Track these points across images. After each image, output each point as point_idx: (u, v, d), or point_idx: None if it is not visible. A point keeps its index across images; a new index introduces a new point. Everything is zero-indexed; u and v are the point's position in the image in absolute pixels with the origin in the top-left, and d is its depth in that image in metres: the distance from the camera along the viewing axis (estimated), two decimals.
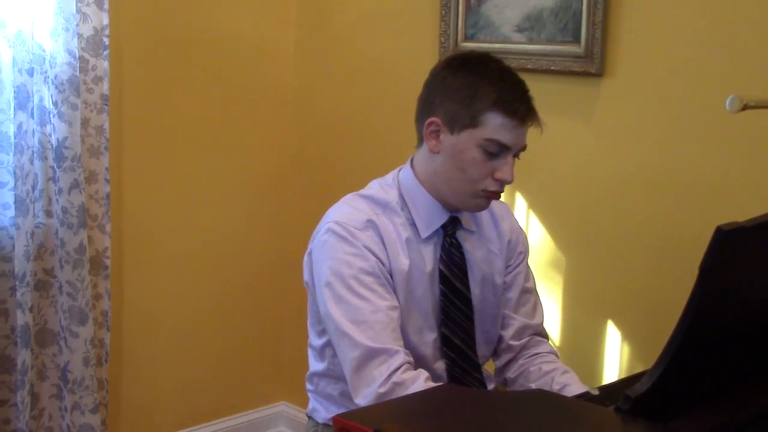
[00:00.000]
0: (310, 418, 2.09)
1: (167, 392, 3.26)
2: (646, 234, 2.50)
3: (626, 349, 2.56)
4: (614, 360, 2.56)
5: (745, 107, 1.62)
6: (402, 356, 1.77)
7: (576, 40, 2.55)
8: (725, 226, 1.22)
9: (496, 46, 2.73)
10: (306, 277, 1.94)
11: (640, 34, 2.46)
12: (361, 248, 1.82)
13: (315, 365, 2.02)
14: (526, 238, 2.13)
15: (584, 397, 1.58)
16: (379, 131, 3.17)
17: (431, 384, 1.75)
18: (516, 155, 1.86)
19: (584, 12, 2.51)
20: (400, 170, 1.99)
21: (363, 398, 1.76)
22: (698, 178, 2.39)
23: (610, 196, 2.56)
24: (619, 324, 2.57)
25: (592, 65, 2.52)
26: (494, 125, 1.80)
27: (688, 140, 2.39)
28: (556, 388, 1.92)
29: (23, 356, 2.70)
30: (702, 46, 2.35)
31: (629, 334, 2.56)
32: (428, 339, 1.92)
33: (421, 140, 1.93)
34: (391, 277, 1.87)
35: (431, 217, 1.92)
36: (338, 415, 1.33)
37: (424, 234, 1.91)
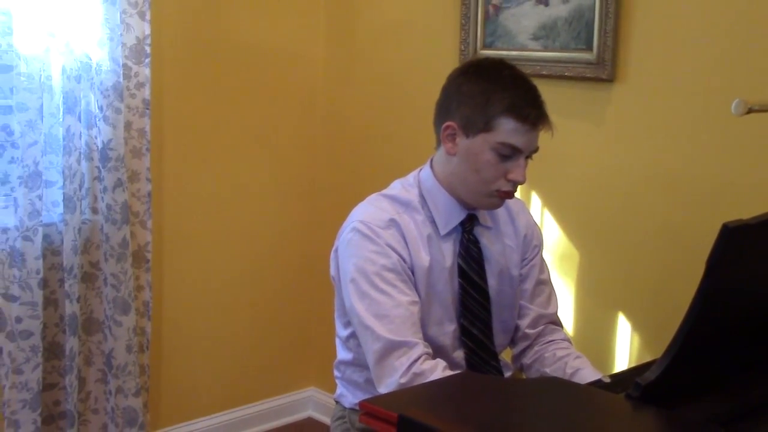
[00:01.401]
0: (337, 402, 2.09)
1: (203, 377, 3.28)
2: (654, 231, 2.48)
3: (636, 339, 2.54)
4: (624, 350, 2.55)
5: (749, 111, 1.60)
6: (421, 348, 1.77)
7: (588, 47, 2.53)
8: (731, 223, 1.21)
9: (513, 53, 2.72)
10: (332, 272, 1.94)
11: (649, 42, 2.44)
12: (383, 246, 1.82)
13: (342, 354, 2.02)
14: (540, 232, 2.12)
15: (596, 384, 1.57)
16: (401, 134, 3.16)
17: (449, 372, 1.75)
18: (528, 157, 1.85)
19: (596, 21, 2.50)
20: (420, 170, 1.98)
21: (385, 387, 1.77)
22: (705, 178, 2.37)
23: (620, 195, 2.55)
24: (629, 315, 2.56)
25: (603, 71, 2.51)
26: (507, 129, 1.79)
27: (695, 142, 2.38)
28: (569, 372, 1.91)
29: (71, 343, 2.72)
30: (708, 53, 2.33)
31: (639, 326, 2.54)
32: (448, 330, 1.92)
33: (439, 142, 1.92)
34: (413, 273, 1.86)
35: (450, 215, 1.91)
36: (364, 401, 1.33)
37: (443, 231, 1.91)
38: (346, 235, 1.88)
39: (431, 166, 1.95)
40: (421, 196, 1.92)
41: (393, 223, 1.86)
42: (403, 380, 1.73)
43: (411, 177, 1.98)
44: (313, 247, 3.49)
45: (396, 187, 1.97)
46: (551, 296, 2.10)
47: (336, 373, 2.07)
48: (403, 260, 1.84)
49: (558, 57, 2.61)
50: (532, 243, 2.06)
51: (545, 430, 1.25)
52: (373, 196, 1.96)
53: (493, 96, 1.79)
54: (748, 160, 2.28)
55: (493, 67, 1.88)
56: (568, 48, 2.59)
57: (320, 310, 3.54)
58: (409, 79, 3.12)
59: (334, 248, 1.94)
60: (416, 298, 1.84)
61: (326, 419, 3.50)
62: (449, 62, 2.94)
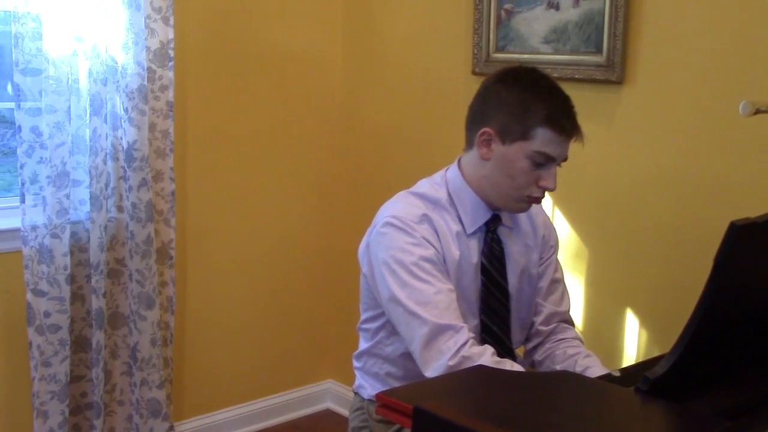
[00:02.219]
0: (356, 394, 2.09)
1: (225, 370, 3.28)
2: (663, 229, 2.47)
3: (644, 334, 2.53)
4: (633, 344, 2.53)
5: (757, 111, 1.59)
6: (467, 332, 1.76)
7: (598, 50, 2.52)
8: (739, 221, 1.20)
9: (525, 56, 2.71)
10: (364, 269, 1.93)
11: (657, 44, 2.43)
12: (419, 238, 1.82)
13: (365, 345, 2.02)
14: (556, 232, 2.12)
15: (606, 378, 1.56)
16: (416, 136, 3.16)
17: (497, 359, 1.74)
18: (559, 165, 1.86)
19: (606, 25, 2.49)
20: (447, 170, 1.97)
21: (433, 371, 1.75)
22: (712, 177, 2.35)
23: (629, 195, 2.54)
24: (638, 311, 2.55)
25: (613, 74, 2.49)
26: (543, 139, 1.80)
27: (703, 142, 2.36)
28: (578, 370, 1.90)
29: (97, 337, 2.73)
30: (715, 55, 2.31)
31: (647, 321, 2.53)
32: (471, 324, 1.91)
33: (470, 145, 1.91)
34: (445, 265, 1.87)
35: (476, 215, 1.91)
36: (380, 393, 1.33)
37: (470, 230, 1.91)
38: (378, 229, 1.86)
39: (459, 167, 1.94)
40: (449, 195, 1.92)
41: (426, 218, 1.86)
42: (451, 363, 1.72)
43: (438, 176, 1.98)
44: (330, 243, 3.49)
45: (424, 186, 1.96)
46: (564, 295, 2.09)
47: (356, 363, 2.07)
48: (438, 252, 1.84)
49: (568, 60, 2.59)
50: (549, 243, 2.06)
51: (557, 423, 1.24)
52: (402, 193, 1.95)
53: (532, 106, 1.80)
54: (755, 160, 2.26)
55: (530, 76, 1.87)
56: (579, 51, 2.58)
57: (337, 305, 3.55)
58: (424, 81, 3.11)
59: (363, 245, 1.93)
60: (453, 287, 1.84)
61: (344, 411, 3.50)
62: (462, 65, 2.94)
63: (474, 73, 2.89)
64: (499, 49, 2.81)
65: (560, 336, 2.04)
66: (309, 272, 3.48)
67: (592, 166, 2.59)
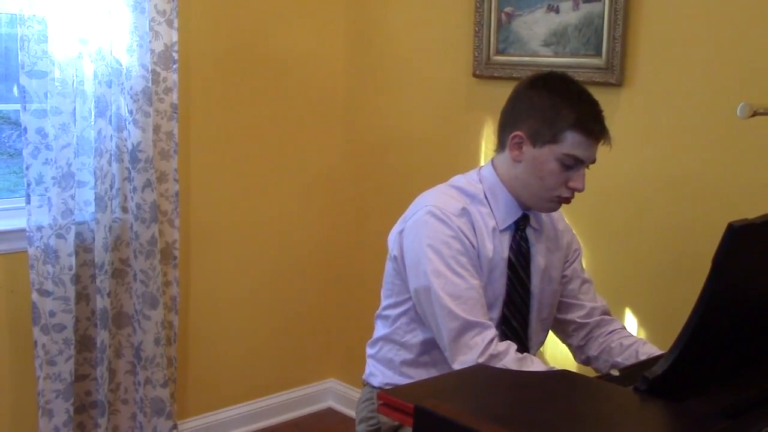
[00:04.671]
0: (366, 384, 2.10)
1: (228, 369, 3.28)
2: (662, 230, 2.47)
3: (643, 334, 2.53)
4: None
5: (754, 113, 1.58)
6: (493, 329, 1.81)
7: (598, 53, 2.52)
8: (736, 222, 1.20)
9: (525, 59, 2.71)
10: (395, 252, 1.95)
11: (656, 47, 2.43)
12: (458, 231, 1.86)
13: (382, 331, 2.03)
14: (577, 237, 2.16)
15: (605, 377, 1.56)
16: (418, 138, 3.16)
17: (520, 356, 1.78)
18: (587, 167, 1.90)
19: (605, 28, 2.49)
20: (480, 169, 2.01)
21: (461, 364, 1.78)
22: (710, 178, 2.35)
23: (629, 195, 2.54)
24: (636, 311, 2.54)
25: (612, 76, 2.49)
26: (573, 142, 1.84)
27: (701, 144, 2.36)
28: (642, 358, 1.92)
29: (102, 336, 2.73)
30: (713, 58, 2.31)
31: (646, 321, 2.53)
32: (494, 316, 1.94)
33: (503, 147, 1.95)
34: (478, 259, 1.90)
35: (508, 212, 1.95)
36: (382, 392, 1.33)
37: (502, 226, 1.94)
38: (419, 217, 1.89)
39: (493, 166, 1.98)
40: (484, 192, 1.96)
41: (465, 212, 1.90)
42: (480, 359, 1.76)
43: (473, 173, 2.01)
44: (332, 244, 3.49)
45: (461, 181, 1.99)
46: (596, 293, 2.14)
47: (369, 351, 2.08)
48: (473, 247, 1.88)
49: (568, 62, 2.59)
50: (572, 246, 2.11)
51: (556, 422, 1.24)
52: (442, 186, 1.99)
53: (561, 111, 1.84)
54: (753, 161, 2.26)
55: (560, 81, 1.91)
56: (578, 54, 2.58)
57: (339, 305, 3.55)
58: (425, 84, 3.11)
59: (398, 231, 1.96)
60: (482, 284, 1.88)
61: (345, 409, 3.50)
62: (463, 67, 2.94)
63: (475, 75, 2.89)
64: (499, 52, 2.81)
65: (610, 328, 2.07)
66: (311, 273, 3.48)
67: (592, 167, 2.58)
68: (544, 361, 2.10)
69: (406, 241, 1.91)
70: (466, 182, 1.97)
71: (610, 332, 2.06)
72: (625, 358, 1.96)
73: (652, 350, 1.95)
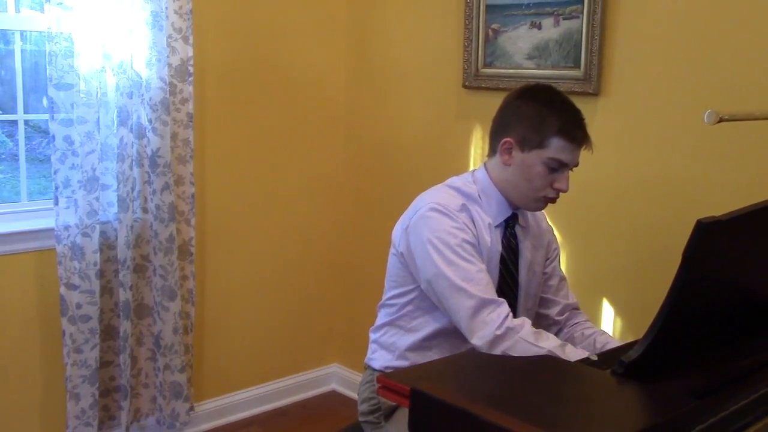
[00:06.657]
0: (367, 367, 2.09)
1: (240, 355, 3.28)
2: (636, 227, 2.47)
3: (619, 322, 2.53)
4: (609, 331, 2.53)
5: (720, 120, 1.58)
6: (507, 306, 1.81)
7: (576, 65, 2.52)
8: (705, 219, 1.20)
9: (511, 71, 2.71)
10: (401, 248, 1.95)
11: (629, 60, 2.43)
12: (461, 223, 1.87)
13: (387, 317, 2.03)
14: (556, 237, 2.18)
15: (585, 361, 1.56)
16: (413, 144, 3.16)
17: (534, 330, 1.79)
18: (571, 169, 1.91)
19: (584, 42, 2.49)
20: (474, 171, 2.02)
21: (479, 339, 1.77)
22: (681, 179, 2.35)
23: (605, 196, 2.54)
24: (613, 301, 2.55)
25: (590, 86, 2.49)
26: (557, 147, 1.85)
27: (672, 148, 2.36)
28: (598, 346, 1.96)
29: (124, 326, 2.73)
30: (683, 70, 2.31)
31: (622, 310, 2.53)
32: None
33: (494, 152, 1.96)
34: (479, 249, 1.91)
35: (500, 211, 1.96)
36: (380, 375, 1.32)
37: (494, 223, 1.96)
38: (423, 213, 1.89)
39: (486, 169, 1.99)
40: (478, 192, 1.97)
41: (465, 208, 1.91)
42: (498, 332, 1.76)
43: (467, 176, 2.02)
44: (336, 240, 3.49)
45: (457, 182, 2.00)
46: (569, 290, 2.17)
47: (372, 336, 2.08)
48: (475, 237, 1.89)
49: (549, 74, 2.59)
50: (552, 246, 2.13)
51: (541, 402, 1.24)
52: (440, 186, 1.99)
53: (547, 119, 1.85)
54: (720, 163, 2.27)
55: (546, 92, 1.93)
56: (559, 66, 2.58)
57: (342, 297, 3.54)
58: (419, 94, 3.11)
59: (400, 228, 1.96)
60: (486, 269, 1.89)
61: (348, 391, 3.50)
62: (453, 79, 2.94)
63: (464, 86, 2.89)
64: (486, 65, 2.81)
65: (575, 321, 2.11)
66: (315, 267, 3.48)
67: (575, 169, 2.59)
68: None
69: (412, 236, 1.90)
70: (462, 183, 1.98)
71: (575, 324, 2.10)
72: (585, 347, 1.98)
73: (608, 339, 1.99)
